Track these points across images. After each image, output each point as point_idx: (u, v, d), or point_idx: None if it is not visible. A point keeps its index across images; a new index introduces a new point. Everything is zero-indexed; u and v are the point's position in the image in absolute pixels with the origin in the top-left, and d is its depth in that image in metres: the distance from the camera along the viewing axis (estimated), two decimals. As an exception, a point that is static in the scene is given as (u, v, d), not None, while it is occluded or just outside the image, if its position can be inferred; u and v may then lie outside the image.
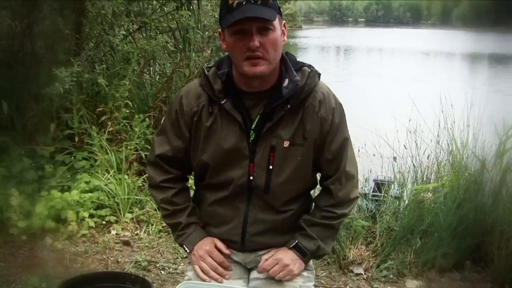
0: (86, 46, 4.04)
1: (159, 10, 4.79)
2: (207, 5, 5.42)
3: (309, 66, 1.97)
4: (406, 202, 3.36)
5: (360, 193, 3.29)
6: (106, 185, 3.33)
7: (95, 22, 4.09)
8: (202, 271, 2.03)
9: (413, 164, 3.63)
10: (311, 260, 2.12)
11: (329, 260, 2.95)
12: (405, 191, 3.55)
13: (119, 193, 3.29)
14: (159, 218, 3.23)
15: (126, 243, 2.98)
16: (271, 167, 1.92)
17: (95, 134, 3.60)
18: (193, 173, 2.18)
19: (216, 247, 2.07)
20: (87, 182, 3.36)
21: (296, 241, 2.02)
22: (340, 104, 1.99)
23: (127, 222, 3.22)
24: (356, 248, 2.92)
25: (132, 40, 4.49)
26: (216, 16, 4.71)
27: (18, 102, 3.71)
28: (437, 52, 27.46)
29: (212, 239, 2.09)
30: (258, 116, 1.90)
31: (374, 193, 3.59)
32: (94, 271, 2.65)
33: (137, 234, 3.13)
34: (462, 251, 3.01)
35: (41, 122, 3.77)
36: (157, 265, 2.79)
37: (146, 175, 2.17)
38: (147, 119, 3.79)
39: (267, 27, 1.79)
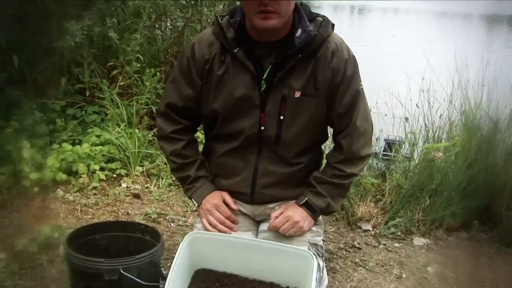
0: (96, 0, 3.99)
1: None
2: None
3: (323, 16, 1.94)
4: (417, 161, 3.34)
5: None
6: (117, 138, 3.35)
7: (106, -25, 4.03)
8: (210, 224, 2.05)
9: (425, 124, 3.60)
10: (320, 216, 2.13)
11: (337, 216, 2.96)
12: (415, 151, 3.53)
13: (129, 147, 3.31)
14: (169, 172, 3.25)
15: (136, 196, 3.02)
16: (282, 117, 1.91)
17: (106, 88, 3.59)
18: (202, 125, 2.18)
19: (224, 201, 2.08)
20: (98, 136, 3.37)
21: (306, 198, 2.03)
22: (353, 57, 1.95)
23: (137, 176, 3.25)
24: (365, 205, 2.93)
25: (143, -6, 4.42)
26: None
27: (28, 56, 3.70)
28: (454, 13, 26.87)
29: (220, 193, 2.10)
30: (270, 66, 1.88)
31: (384, 153, 3.58)
32: (105, 220, 2.69)
33: (147, 187, 3.16)
34: (470, 211, 3.01)
35: (52, 76, 3.76)
36: (167, 217, 2.82)
37: (157, 128, 2.17)
38: (158, 73, 3.77)
39: None
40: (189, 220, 2.80)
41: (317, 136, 2.08)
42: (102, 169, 3.19)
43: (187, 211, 2.91)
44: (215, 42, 1.93)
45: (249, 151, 2.00)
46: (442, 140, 3.47)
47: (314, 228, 2.08)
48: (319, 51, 1.88)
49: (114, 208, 2.86)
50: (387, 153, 3.56)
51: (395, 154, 3.42)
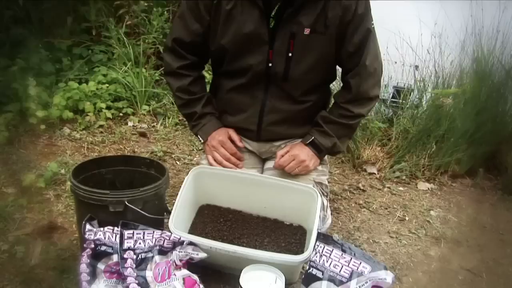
0: None
1: None
2: None
3: None
4: (425, 107, 3.31)
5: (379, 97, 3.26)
6: (123, 77, 3.32)
7: None
8: (215, 160, 2.06)
9: (435, 70, 3.54)
10: (325, 155, 2.13)
11: (343, 158, 2.97)
12: (424, 97, 3.49)
13: (136, 86, 3.29)
14: (175, 111, 3.24)
15: (143, 135, 3.02)
16: (290, 54, 1.88)
17: (113, 27, 3.54)
18: (209, 62, 2.16)
19: (230, 138, 2.08)
20: (104, 75, 3.35)
21: (313, 137, 2.02)
22: (365, -6, 1.90)
23: (144, 115, 3.24)
24: (371, 149, 2.93)
25: None
26: None
27: (33, -6, 3.63)
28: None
29: (226, 129, 2.10)
30: (279, 3, 1.84)
31: (393, 99, 3.54)
32: (110, 155, 2.70)
33: (153, 126, 3.16)
34: (476, 158, 3.01)
35: (58, 15, 3.70)
36: (173, 155, 2.83)
37: (164, 64, 2.14)
38: (165, 13, 3.70)
39: None
40: (195, 158, 2.81)
41: (325, 75, 2.05)
42: (108, 108, 3.18)
43: (193, 150, 2.92)
44: None
45: (257, 87, 1.99)
46: (452, 87, 3.42)
47: (319, 168, 2.08)
48: None
49: (120, 146, 2.87)
50: (395, 99, 3.52)
51: (403, 101, 3.39)
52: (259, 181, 1.94)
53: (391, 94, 3.64)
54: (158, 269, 1.71)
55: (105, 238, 1.71)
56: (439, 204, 2.69)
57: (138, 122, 3.16)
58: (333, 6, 1.83)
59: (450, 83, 3.47)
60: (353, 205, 2.57)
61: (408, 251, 2.24)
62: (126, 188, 1.75)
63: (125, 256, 1.68)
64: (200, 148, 2.90)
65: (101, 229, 1.71)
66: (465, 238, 2.41)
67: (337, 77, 2.16)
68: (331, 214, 2.28)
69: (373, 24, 1.94)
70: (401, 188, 2.79)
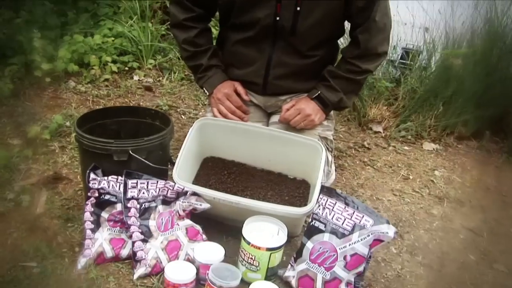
0: None
1: None
2: None
3: None
4: (434, 68, 3.26)
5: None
6: (129, 31, 3.28)
7: None
8: (220, 113, 2.05)
9: (446, 31, 3.47)
10: (331, 110, 2.12)
11: (349, 116, 2.95)
12: (433, 59, 3.43)
13: (142, 40, 3.25)
14: (181, 66, 3.21)
15: (148, 89, 3.00)
16: (298, 8, 1.85)
17: (119, -20, 3.48)
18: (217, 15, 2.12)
19: (235, 91, 2.07)
20: (110, 29, 3.30)
21: (319, 92, 2.01)
22: None
23: (149, 69, 3.22)
24: (377, 108, 2.91)
25: None
26: None
27: None
28: None
29: (232, 82, 2.08)
30: None
31: (401, 60, 3.49)
32: (115, 105, 2.70)
33: (159, 81, 3.14)
34: (483, 120, 2.98)
35: (63, -33, 3.64)
36: (178, 109, 2.82)
37: (170, 16, 2.11)
38: (172, -34, 3.62)
39: None
40: (200, 113, 2.80)
41: (333, 30, 2.02)
42: (114, 61, 3.15)
43: (198, 104, 2.91)
44: None
45: (264, 41, 1.96)
46: (462, 49, 3.36)
47: (325, 123, 2.07)
48: None
49: (126, 100, 2.85)
50: (403, 61, 3.47)
51: (412, 62, 3.34)
52: (264, 133, 1.93)
53: (400, 55, 3.58)
54: (161, 219, 1.72)
55: (109, 187, 1.72)
56: (443, 164, 2.69)
57: (144, 77, 3.14)
58: None
59: (461, 45, 3.40)
60: (357, 162, 2.56)
61: (411, 209, 2.25)
62: (130, 139, 1.75)
63: (128, 205, 1.69)
64: (205, 103, 2.88)
65: (105, 178, 1.72)
66: (468, 199, 2.41)
67: (345, 33, 2.12)
68: (335, 170, 2.28)
69: (383, -21, 1.90)
70: (406, 148, 2.78)
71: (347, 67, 2.00)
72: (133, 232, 1.67)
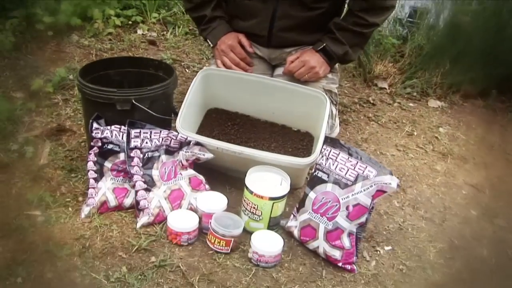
0: None
1: None
2: None
3: None
4: (441, 26, 3.20)
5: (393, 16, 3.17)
6: (132, -17, 3.22)
7: None
8: (224, 65, 2.02)
9: (455, -12, 3.40)
10: (336, 63, 2.09)
11: (354, 73, 2.92)
12: (441, 17, 3.37)
13: (145, -7, 3.20)
14: (186, 20, 3.17)
15: (152, 43, 2.97)
16: (304, -43, 1.81)
17: None
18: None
19: (240, 43, 2.04)
20: (113, -19, 3.25)
21: (324, 44, 1.98)
22: None
23: (153, 23, 3.17)
24: (383, 64, 2.87)
25: None
26: None
27: None
28: None
29: (236, 34, 2.05)
30: None
31: (409, 19, 3.43)
32: (118, 56, 2.67)
33: (163, 35, 3.10)
34: (490, 79, 2.94)
35: None
36: (182, 63, 2.79)
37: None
38: None
39: None
40: (204, 67, 2.77)
41: (339, -19, 1.98)
42: (117, 15, 3.10)
43: (202, 58, 2.88)
44: None
45: (269, -8, 1.92)
46: (472, 6, 3.29)
47: (329, 75, 2.05)
48: None
49: (129, 53, 2.82)
50: (411, 19, 3.41)
51: (419, 21, 3.28)
52: (268, 84, 1.91)
53: (408, 14, 3.52)
54: (165, 168, 1.72)
55: (112, 136, 1.71)
56: (448, 122, 2.67)
57: (148, 31, 3.10)
58: None
59: (470, 2, 3.34)
60: (362, 117, 2.55)
61: (415, 164, 2.25)
62: (133, 88, 1.73)
63: (131, 154, 1.69)
64: (209, 57, 2.85)
65: (108, 127, 1.72)
66: (472, 156, 2.40)
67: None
68: (339, 124, 2.27)
69: None
70: (411, 104, 2.76)
71: (353, 20, 1.96)
72: (136, 182, 1.67)
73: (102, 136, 1.71)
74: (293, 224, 1.68)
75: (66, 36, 2.95)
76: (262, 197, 1.60)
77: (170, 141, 1.73)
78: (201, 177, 1.78)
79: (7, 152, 1.94)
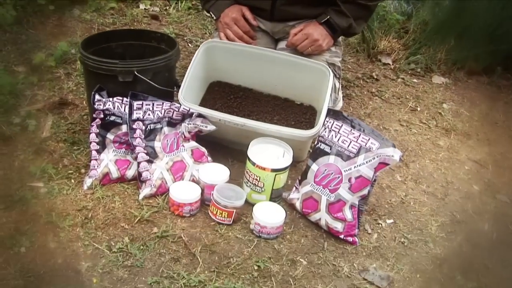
0: None
1: None
2: None
3: None
4: (447, 1, 3.16)
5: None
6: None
7: None
8: (227, 38, 2.01)
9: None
10: (340, 36, 2.07)
11: (358, 48, 2.90)
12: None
13: (148, -33, 3.16)
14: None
15: (155, 17, 2.94)
16: None
17: None
18: None
19: (243, 16, 2.02)
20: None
21: (328, 16, 1.96)
22: None
23: (156, -3, 3.15)
24: (387, 40, 2.84)
25: None
26: None
27: None
28: None
29: (240, 7, 2.03)
30: None
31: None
32: (120, 28, 2.65)
33: (166, 10, 3.07)
34: (495, 55, 2.91)
35: None
36: (185, 38, 2.77)
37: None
38: None
39: None
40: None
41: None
42: (120, -11, 3.08)
43: (205, 33, 2.86)
44: None
45: (272, -35, 1.90)
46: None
47: (333, 49, 2.03)
48: None
49: (132, 28, 2.80)
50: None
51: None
52: (271, 57, 1.90)
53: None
54: (167, 140, 1.72)
55: (114, 108, 1.71)
56: (452, 98, 2.66)
57: (150, 6, 3.07)
58: None
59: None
60: (365, 92, 2.53)
61: (418, 139, 2.24)
62: (136, 60, 1.72)
63: (134, 126, 1.68)
64: (212, 31, 2.83)
65: (110, 99, 1.71)
66: (475, 132, 2.39)
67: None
68: (343, 99, 2.26)
69: None
70: (415, 80, 2.74)
71: (358, -7, 1.94)
72: (138, 153, 1.67)
73: (104, 108, 1.70)
74: (295, 196, 1.69)
75: (68, 11, 2.92)
76: (264, 169, 1.60)
77: (173, 113, 1.72)
78: (203, 149, 1.77)
79: (10, 125, 1.94)
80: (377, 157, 1.54)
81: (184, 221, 1.61)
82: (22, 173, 1.76)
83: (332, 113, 1.64)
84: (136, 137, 1.68)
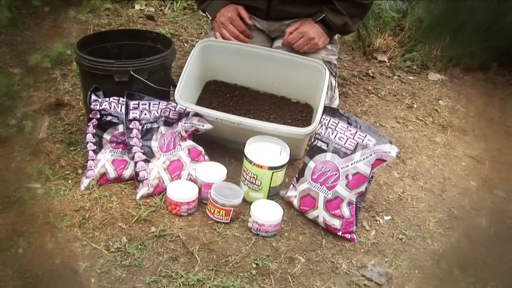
0: None
1: None
2: None
3: None
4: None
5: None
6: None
7: None
8: (223, 37, 2.01)
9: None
10: (335, 34, 2.07)
11: (353, 46, 2.90)
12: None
13: (143, -33, 3.16)
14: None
15: (150, 18, 2.94)
16: None
17: None
18: None
19: (239, 15, 2.02)
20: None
21: (323, 14, 1.96)
22: None
23: (151, -2, 3.15)
24: (383, 38, 2.85)
25: None
26: None
27: None
28: None
29: (235, 6, 2.03)
30: None
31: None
32: (115, 29, 2.65)
33: (161, 10, 3.07)
34: (491, 52, 2.92)
35: None
36: (180, 38, 2.77)
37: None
38: None
39: None
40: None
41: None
42: (114, -10, 3.08)
43: (201, 33, 2.86)
44: None
45: (268, -36, 1.90)
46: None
47: (328, 47, 2.04)
48: None
49: (127, 28, 2.80)
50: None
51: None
52: (267, 55, 1.90)
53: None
54: (164, 140, 1.72)
55: (110, 108, 1.70)
56: (448, 94, 2.66)
57: (145, 6, 3.06)
58: None
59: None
60: (361, 90, 2.54)
61: (414, 136, 2.25)
62: (131, 60, 1.72)
63: (130, 126, 1.68)
64: (208, 31, 2.83)
65: (107, 99, 1.71)
66: (472, 128, 2.40)
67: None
68: (339, 97, 2.27)
69: None
70: (411, 77, 2.74)
71: (353, -10, 1.94)
72: (135, 153, 1.67)
73: (101, 108, 1.70)
74: (293, 194, 1.69)
75: (63, 12, 2.92)
76: (261, 167, 1.60)
77: (169, 112, 1.72)
78: (200, 148, 1.78)
79: (6, 126, 1.94)
80: (374, 153, 1.54)
81: (182, 220, 1.61)
82: (19, 174, 1.75)
83: (329, 110, 1.64)
84: (133, 137, 1.68)
